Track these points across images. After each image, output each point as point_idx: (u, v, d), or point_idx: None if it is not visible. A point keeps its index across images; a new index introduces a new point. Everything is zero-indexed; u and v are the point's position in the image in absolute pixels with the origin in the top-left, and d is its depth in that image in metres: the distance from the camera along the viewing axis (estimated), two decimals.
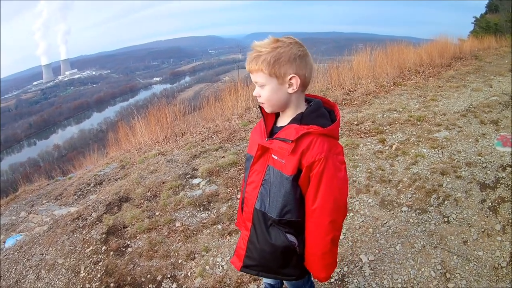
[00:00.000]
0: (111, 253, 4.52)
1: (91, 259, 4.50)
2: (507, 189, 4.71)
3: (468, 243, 3.95)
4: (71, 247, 4.79)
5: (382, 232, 4.24)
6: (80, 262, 4.50)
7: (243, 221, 2.43)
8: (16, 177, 14.98)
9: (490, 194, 4.66)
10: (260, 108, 2.28)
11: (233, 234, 4.42)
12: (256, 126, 2.42)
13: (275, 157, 2.18)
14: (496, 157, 5.48)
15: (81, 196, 6.35)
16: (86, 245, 4.77)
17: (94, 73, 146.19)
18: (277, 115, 2.30)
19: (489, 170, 5.16)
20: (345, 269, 3.81)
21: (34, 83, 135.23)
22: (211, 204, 5.13)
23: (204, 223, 4.74)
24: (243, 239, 2.42)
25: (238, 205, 2.88)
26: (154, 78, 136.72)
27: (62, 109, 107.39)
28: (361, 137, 6.72)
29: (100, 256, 4.52)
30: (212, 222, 4.73)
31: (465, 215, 4.35)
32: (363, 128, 7.11)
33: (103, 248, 4.65)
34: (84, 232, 5.06)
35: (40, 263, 4.65)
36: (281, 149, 2.12)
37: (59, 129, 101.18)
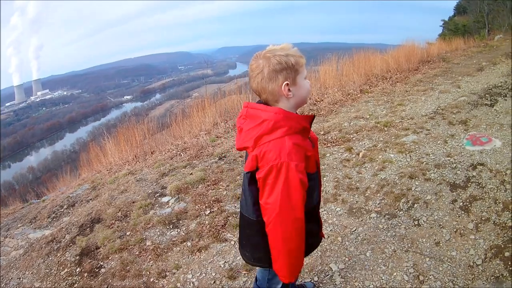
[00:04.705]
0: (85, 274, 4.54)
1: (66, 281, 4.51)
2: (478, 187, 4.81)
3: (441, 244, 4.01)
4: (47, 270, 4.80)
5: (351, 240, 4.29)
6: (56, 284, 4.51)
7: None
8: None
9: (461, 194, 4.74)
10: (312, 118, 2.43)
11: (202, 251, 4.47)
12: (307, 147, 2.34)
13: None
14: (465, 156, 5.58)
15: (54, 219, 6.31)
16: (61, 268, 4.78)
17: (65, 93, 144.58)
18: None
19: (459, 170, 5.26)
20: (315, 279, 3.84)
21: (7, 104, 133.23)
22: (180, 222, 5.16)
23: (174, 241, 4.77)
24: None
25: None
26: (124, 97, 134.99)
27: (35, 130, 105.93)
28: (327, 146, 6.78)
29: (75, 278, 4.54)
30: (181, 239, 4.76)
31: (436, 216, 4.42)
32: (329, 137, 7.18)
33: (77, 270, 4.66)
34: (58, 254, 5.06)
35: (17, 287, 4.66)
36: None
37: (33, 151, 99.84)
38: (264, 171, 2.19)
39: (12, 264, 5.12)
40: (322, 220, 2.94)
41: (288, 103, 2.30)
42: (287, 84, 2.22)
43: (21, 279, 4.76)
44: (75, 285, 4.42)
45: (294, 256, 2.34)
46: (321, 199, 2.74)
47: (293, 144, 2.18)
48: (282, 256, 2.34)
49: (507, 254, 3.74)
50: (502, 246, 3.85)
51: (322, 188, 3.44)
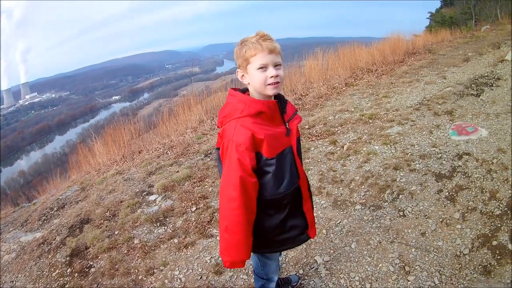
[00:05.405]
0: (76, 274, 4.56)
1: (58, 282, 4.53)
2: (464, 176, 4.83)
3: (427, 235, 4.02)
4: (39, 272, 4.81)
5: (336, 232, 4.30)
6: (48, 286, 4.53)
7: (304, 199, 2.65)
8: None
9: (446, 184, 4.76)
10: (277, 102, 2.46)
11: (189, 247, 4.48)
12: (259, 130, 2.32)
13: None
14: (451, 146, 5.61)
15: (45, 221, 6.31)
16: (53, 269, 4.79)
17: (53, 95, 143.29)
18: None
19: (444, 160, 5.28)
20: (301, 271, 3.85)
21: None
22: (167, 219, 5.17)
23: (161, 238, 4.79)
24: (310, 210, 2.74)
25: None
26: (113, 97, 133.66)
27: (24, 134, 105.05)
28: (312, 140, 6.81)
29: (66, 279, 4.56)
30: (168, 236, 4.77)
31: (421, 207, 4.43)
32: (314, 131, 7.21)
33: (68, 271, 4.68)
34: (49, 256, 5.07)
35: None
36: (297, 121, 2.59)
37: (23, 154, 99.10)
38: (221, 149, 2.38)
39: (5, 268, 5.12)
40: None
41: (251, 88, 2.46)
42: (240, 71, 2.44)
43: (14, 282, 4.77)
44: (67, 286, 4.44)
45: (228, 238, 2.36)
46: (308, 193, 2.65)
47: (240, 125, 2.30)
48: (220, 234, 2.45)
49: (494, 243, 3.77)
50: (490, 235, 3.88)
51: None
